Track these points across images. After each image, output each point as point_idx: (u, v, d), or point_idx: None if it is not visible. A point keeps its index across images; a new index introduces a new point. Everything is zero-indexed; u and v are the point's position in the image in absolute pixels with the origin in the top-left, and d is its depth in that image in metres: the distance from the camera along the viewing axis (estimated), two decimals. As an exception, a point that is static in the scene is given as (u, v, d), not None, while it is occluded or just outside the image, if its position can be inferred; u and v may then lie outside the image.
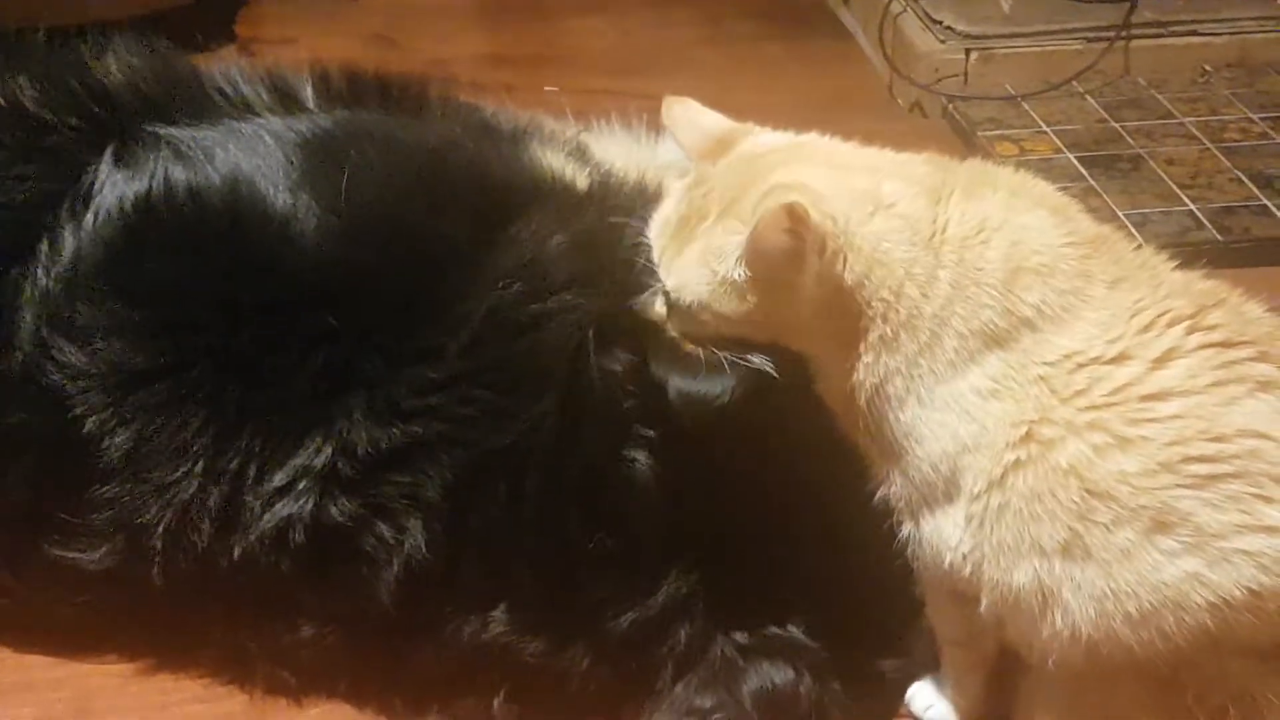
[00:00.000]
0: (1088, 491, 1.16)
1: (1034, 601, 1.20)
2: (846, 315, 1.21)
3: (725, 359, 1.28)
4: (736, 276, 1.21)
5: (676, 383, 1.38)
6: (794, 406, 1.34)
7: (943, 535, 1.24)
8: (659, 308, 1.34)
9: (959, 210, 1.22)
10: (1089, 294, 1.20)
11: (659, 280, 1.29)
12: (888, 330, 1.21)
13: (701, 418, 1.37)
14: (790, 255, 1.17)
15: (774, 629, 1.47)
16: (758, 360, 1.28)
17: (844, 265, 1.19)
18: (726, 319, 1.24)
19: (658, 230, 1.30)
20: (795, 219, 1.15)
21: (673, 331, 1.34)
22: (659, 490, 1.41)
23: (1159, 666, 1.18)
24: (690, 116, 1.35)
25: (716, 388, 1.36)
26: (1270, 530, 1.13)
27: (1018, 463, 1.18)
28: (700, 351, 1.31)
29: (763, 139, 1.32)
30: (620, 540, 1.42)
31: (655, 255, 1.29)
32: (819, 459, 1.39)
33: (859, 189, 1.22)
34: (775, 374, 1.28)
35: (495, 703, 1.49)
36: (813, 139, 1.32)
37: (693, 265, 1.24)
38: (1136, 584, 1.15)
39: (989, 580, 1.22)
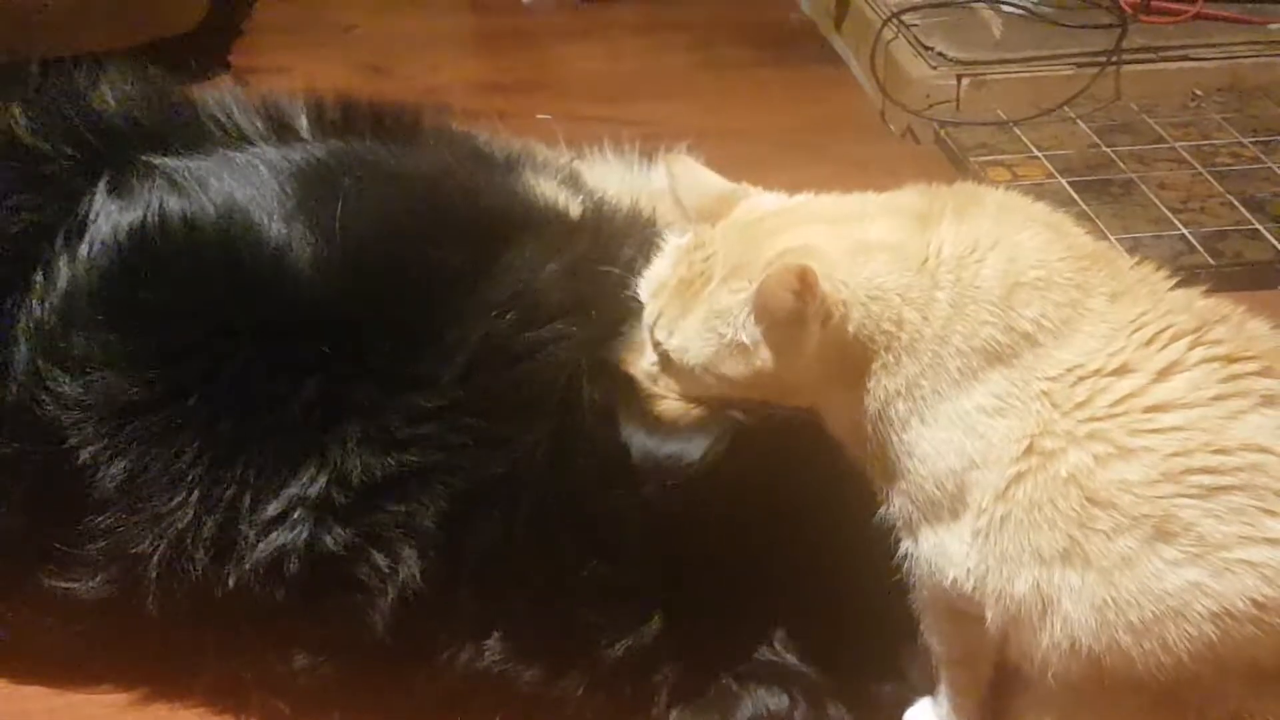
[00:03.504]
0: (1088, 500, 1.16)
1: (1034, 610, 1.20)
2: (853, 357, 1.23)
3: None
4: (744, 339, 1.23)
5: (642, 443, 1.38)
6: (784, 435, 1.35)
7: (948, 552, 1.24)
8: (646, 365, 1.36)
9: (951, 232, 1.23)
10: (1088, 307, 1.21)
11: (644, 332, 1.31)
12: (890, 358, 1.22)
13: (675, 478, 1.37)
14: (792, 314, 1.19)
15: (768, 655, 1.47)
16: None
17: (845, 319, 1.21)
18: (730, 380, 1.26)
19: (651, 290, 1.31)
20: (805, 283, 1.17)
21: (662, 391, 1.36)
22: (652, 518, 1.41)
23: (1160, 680, 1.18)
24: (691, 176, 1.37)
25: (690, 449, 1.36)
26: (1273, 543, 1.13)
27: (1019, 475, 1.19)
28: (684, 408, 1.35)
29: (760, 201, 1.34)
30: (613, 568, 1.42)
31: (650, 316, 1.31)
32: (811, 486, 1.40)
33: (850, 242, 1.24)
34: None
35: (490, 730, 1.49)
36: (806, 200, 1.34)
37: (698, 328, 1.26)
38: (1138, 592, 1.15)
39: (992, 591, 1.22)
